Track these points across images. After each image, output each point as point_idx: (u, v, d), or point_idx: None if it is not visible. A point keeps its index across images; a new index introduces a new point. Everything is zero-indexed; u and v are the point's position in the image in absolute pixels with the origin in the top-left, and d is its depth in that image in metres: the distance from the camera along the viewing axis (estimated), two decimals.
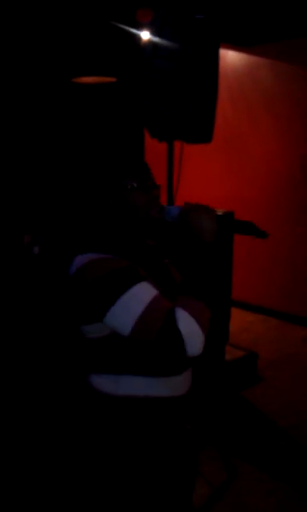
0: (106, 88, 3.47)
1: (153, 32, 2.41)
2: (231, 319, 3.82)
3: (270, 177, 5.04)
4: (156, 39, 2.38)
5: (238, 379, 3.79)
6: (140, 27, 2.98)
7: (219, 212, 2.94)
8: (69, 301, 1.48)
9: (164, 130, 2.55)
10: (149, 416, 1.49)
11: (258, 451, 3.03)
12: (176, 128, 2.51)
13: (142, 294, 1.35)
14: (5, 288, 3.01)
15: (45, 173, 3.26)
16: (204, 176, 5.39)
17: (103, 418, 1.50)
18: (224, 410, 3.44)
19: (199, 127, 2.51)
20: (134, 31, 3.04)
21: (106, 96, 3.49)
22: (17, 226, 3.12)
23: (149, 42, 2.44)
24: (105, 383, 1.49)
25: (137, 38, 2.98)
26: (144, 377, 1.47)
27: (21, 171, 3.15)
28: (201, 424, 2.74)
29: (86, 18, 3.20)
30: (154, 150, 3.32)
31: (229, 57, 4.99)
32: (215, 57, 2.46)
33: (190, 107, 2.42)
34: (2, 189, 3.08)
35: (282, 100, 4.87)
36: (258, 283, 5.21)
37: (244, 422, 3.35)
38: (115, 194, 1.48)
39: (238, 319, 4.83)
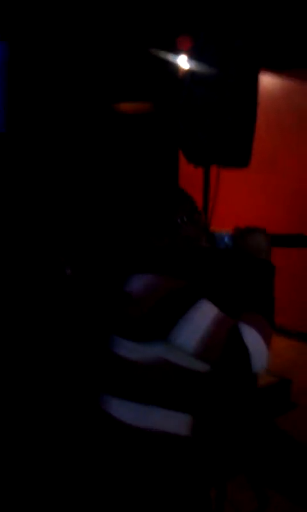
0: (143, 114, 3.51)
1: (193, 59, 2.44)
2: None
3: (305, 199, 5.01)
4: (195, 66, 2.41)
5: (271, 405, 3.72)
6: (179, 53, 3.02)
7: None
8: (121, 317, 1.49)
9: (201, 156, 2.56)
10: (167, 454, 1.47)
11: (290, 481, 2.96)
12: (213, 153, 2.52)
13: (206, 309, 1.36)
14: (38, 308, 3.03)
15: (79, 198, 3.29)
16: (238, 200, 5.38)
17: (120, 450, 1.47)
18: (257, 437, 3.38)
19: (237, 152, 2.51)
20: (173, 57, 3.08)
21: (142, 122, 3.52)
22: (52, 247, 3.15)
23: (188, 69, 2.47)
24: (127, 412, 1.47)
25: (176, 65, 3.02)
26: (170, 412, 1.46)
27: (58, 193, 3.20)
28: (233, 451, 2.69)
29: (125, 45, 3.26)
30: (187, 174, 3.33)
31: (265, 80, 5.00)
32: (254, 83, 2.48)
33: (228, 132, 2.43)
34: (38, 210, 3.12)
35: None
36: (291, 307, 5.14)
37: (276, 450, 3.28)
38: (169, 230, 1.51)
39: (271, 344, 4.76)
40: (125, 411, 1.47)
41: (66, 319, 3.09)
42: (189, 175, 3.30)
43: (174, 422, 1.48)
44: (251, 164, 2.81)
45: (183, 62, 3.09)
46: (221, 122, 2.41)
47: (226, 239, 1.55)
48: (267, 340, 1.33)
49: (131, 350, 1.46)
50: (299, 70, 4.78)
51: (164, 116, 3.37)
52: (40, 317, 3.03)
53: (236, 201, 5.37)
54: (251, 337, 1.31)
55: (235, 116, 2.41)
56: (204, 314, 1.35)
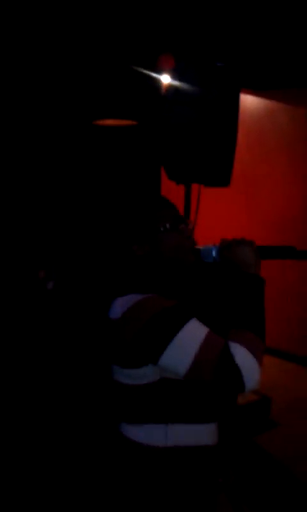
0: (125, 131, 3.53)
1: (175, 78, 2.47)
2: None
3: (287, 220, 5.05)
4: (177, 84, 2.43)
5: (250, 424, 3.71)
6: (161, 72, 3.05)
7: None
8: (110, 345, 1.44)
9: (182, 173, 2.58)
10: (196, 467, 1.43)
11: (269, 499, 2.94)
12: (195, 171, 2.54)
13: (195, 331, 1.32)
14: (19, 322, 3.01)
15: (61, 210, 3.29)
16: (220, 218, 5.42)
17: (148, 472, 1.42)
18: (236, 456, 3.36)
19: (218, 171, 2.53)
20: (155, 75, 3.11)
21: (124, 139, 3.55)
22: (32, 262, 3.14)
23: (171, 88, 2.49)
24: (150, 435, 1.42)
25: (158, 83, 3.05)
26: (193, 425, 1.42)
27: (38, 207, 3.20)
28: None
29: (108, 63, 3.29)
30: (169, 191, 3.35)
31: (248, 101, 5.08)
32: (236, 103, 2.51)
33: (209, 151, 2.45)
34: (18, 224, 3.11)
35: (299, 143, 4.92)
36: (272, 326, 5.15)
37: (255, 468, 3.27)
38: (150, 238, 1.46)
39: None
40: (147, 434, 1.42)
41: (47, 332, 3.07)
42: (171, 192, 3.32)
43: (200, 434, 1.44)
44: (232, 183, 2.84)
45: (165, 80, 3.13)
46: (202, 141, 2.43)
47: (214, 253, 1.50)
48: (259, 359, 1.30)
49: (126, 376, 1.42)
50: (281, 90, 4.86)
51: (147, 133, 3.39)
52: (21, 330, 3.01)
53: (217, 219, 5.40)
54: (243, 357, 1.28)
55: (215, 136, 2.43)
56: (194, 336, 1.31)
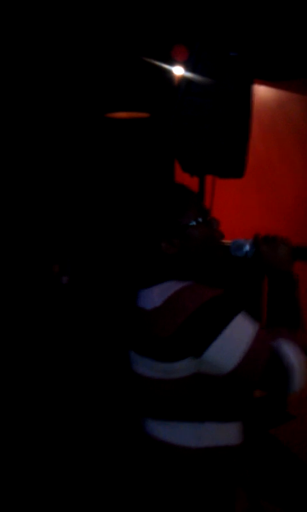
0: (138, 123, 3.52)
1: (188, 70, 2.45)
2: None
3: (301, 209, 5.02)
4: (190, 76, 2.41)
5: (267, 416, 3.70)
6: (174, 63, 3.03)
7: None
8: (142, 337, 1.34)
9: (196, 165, 2.56)
10: (224, 469, 1.36)
11: (285, 492, 2.93)
12: (209, 163, 2.52)
13: (246, 325, 1.24)
14: (33, 317, 3.02)
15: (75, 204, 3.29)
16: (234, 209, 5.39)
17: (176, 475, 1.35)
18: (253, 448, 3.35)
19: (232, 163, 2.51)
20: (168, 67, 3.09)
21: (137, 131, 3.54)
22: (47, 256, 3.14)
23: (184, 79, 2.47)
24: (181, 434, 1.33)
25: (171, 74, 3.03)
26: (225, 424, 1.35)
27: (52, 201, 3.20)
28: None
29: (121, 55, 3.28)
30: (184, 183, 3.34)
31: (261, 92, 5.03)
32: (249, 94, 2.48)
33: (223, 143, 2.43)
34: (33, 218, 3.12)
35: None
36: None
37: (272, 461, 3.26)
38: (180, 232, 1.35)
39: None
40: (177, 433, 1.34)
41: (61, 326, 3.08)
42: (186, 184, 3.31)
43: (230, 433, 1.37)
44: (246, 174, 2.81)
45: (178, 72, 3.11)
46: (215, 132, 2.41)
47: (247, 247, 1.45)
48: (305, 352, 1.24)
49: (155, 369, 1.32)
50: (294, 81, 4.81)
51: (160, 126, 3.38)
52: (35, 325, 3.01)
53: (230, 210, 5.38)
54: (294, 356, 1.21)
55: (229, 127, 2.41)
56: (245, 330, 1.23)
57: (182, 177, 2.99)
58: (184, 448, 1.32)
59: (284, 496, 2.89)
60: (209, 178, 2.76)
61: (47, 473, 2.71)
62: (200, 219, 1.36)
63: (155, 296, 1.31)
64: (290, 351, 1.22)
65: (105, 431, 2.87)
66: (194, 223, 1.35)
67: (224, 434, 1.35)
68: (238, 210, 5.43)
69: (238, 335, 1.22)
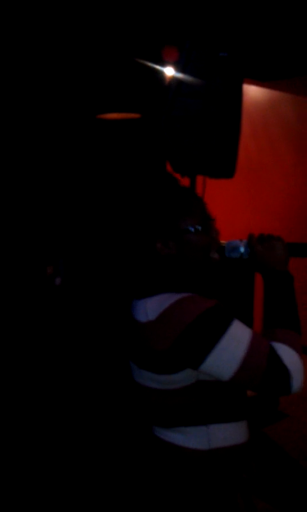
0: (130, 124, 3.52)
1: (178, 70, 2.45)
2: None
3: (292, 209, 5.03)
4: (181, 76, 2.42)
5: (260, 415, 3.71)
6: (165, 64, 3.04)
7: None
8: (140, 351, 1.34)
9: (186, 165, 2.57)
10: (233, 467, 1.39)
11: (278, 491, 2.95)
12: (199, 163, 2.53)
13: (240, 334, 1.25)
14: (26, 318, 3.02)
15: (68, 205, 3.29)
16: (226, 209, 5.40)
17: (191, 477, 1.36)
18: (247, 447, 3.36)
19: (222, 163, 2.52)
20: (159, 67, 3.09)
21: (129, 132, 3.54)
22: (40, 257, 3.14)
23: (174, 79, 2.48)
24: (191, 438, 1.34)
25: (161, 75, 3.03)
26: (231, 424, 1.36)
27: (44, 203, 3.19)
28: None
29: (112, 55, 3.28)
30: None
31: (252, 92, 5.05)
32: (239, 94, 2.49)
33: (213, 143, 2.44)
34: (26, 219, 3.11)
35: (303, 133, 4.89)
36: None
37: (265, 459, 3.27)
38: (177, 237, 1.35)
39: None
40: (188, 438, 1.35)
41: (54, 328, 3.08)
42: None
43: (237, 432, 1.39)
44: (237, 174, 2.82)
45: (169, 72, 3.11)
46: (206, 133, 2.42)
47: (242, 248, 1.45)
48: (301, 355, 1.25)
49: (157, 381, 1.33)
50: (286, 80, 4.82)
51: (151, 126, 3.38)
52: (28, 326, 3.01)
53: (222, 210, 5.38)
54: (290, 358, 1.23)
55: (219, 127, 2.42)
56: (240, 338, 1.23)
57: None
58: (196, 450, 1.34)
59: (276, 494, 2.91)
60: (200, 179, 2.77)
61: (51, 475, 2.71)
62: (199, 227, 1.36)
63: (148, 309, 1.31)
64: (285, 354, 1.23)
65: (112, 433, 2.85)
66: (192, 229, 1.35)
67: (231, 434, 1.37)
68: (229, 210, 5.44)
69: (234, 344, 1.22)
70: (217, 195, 4.40)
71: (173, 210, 1.36)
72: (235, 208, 5.44)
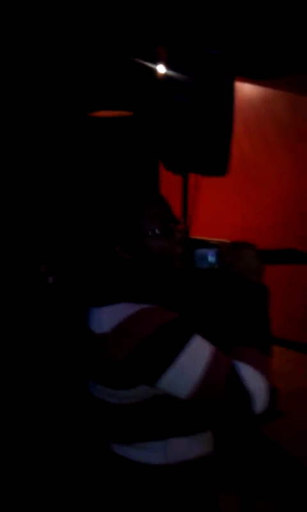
0: (122, 122, 3.52)
1: (169, 68, 2.45)
2: None
3: (285, 207, 5.03)
4: (173, 74, 2.41)
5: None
6: (157, 62, 3.03)
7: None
8: (95, 364, 1.26)
9: (178, 163, 2.56)
10: (197, 479, 1.33)
11: (276, 489, 2.93)
12: (191, 161, 2.52)
13: (200, 349, 1.17)
14: (19, 317, 3.01)
15: (60, 204, 3.28)
16: (219, 207, 5.40)
17: (148, 491, 1.30)
18: (242, 446, 3.35)
19: (214, 161, 2.52)
20: (151, 65, 3.09)
21: (122, 130, 3.53)
22: (32, 256, 3.13)
23: (166, 77, 2.47)
24: (148, 453, 1.29)
25: (154, 73, 3.03)
26: (192, 437, 1.30)
27: (37, 202, 3.18)
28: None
29: (104, 53, 3.27)
30: (169, 181, 3.34)
31: (245, 90, 5.04)
32: (231, 92, 2.49)
33: (205, 141, 2.44)
34: (18, 218, 3.11)
35: (297, 131, 4.89)
36: (274, 315, 5.14)
37: (262, 458, 3.26)
38: (135, 241, 1.27)
39: None
40: (145, 453, 1.29)
41: (47, 327, 3.07)
42: (169, 183, 3.31)
43: (198, 445, 1.33)
44: (231, 172, 2.82)
45: (161, 70, 3.10)
46: (197, 130, 2.41)
47: (210, 258, 1.32)
48: (268, 378, 1.18)
49: (113, 396, 1.26)
50: (279, 78, 4.81)
51: (143, 124, 3.38)
52: (21, 325, 3.00)
53: (216, 208, 5.38)
54: (251, 379, 1.16)
55: (211, 125, 2.42)
56: (199, 356, 1.16)
57: (167, 176, 3.00)
58: (154, 466, 1.29)
59: (275, 493, 2.89)
60: (192, 177, 2.76)
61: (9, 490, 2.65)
62: (157, 231, 1.26)
63: (103, 320, 1.23)
64: (248, 376, 1.16)
65: (70, 445, 2.80)
66: (150, 232, 1.26)
67: (191, 447, 1.31)
68: (222, 208, 5.43)
69: (192, 362, 1.15)
70: (210, 193, 4.40)
71: (131, 211, 1.27)
72: (228, 207, 5.44)
